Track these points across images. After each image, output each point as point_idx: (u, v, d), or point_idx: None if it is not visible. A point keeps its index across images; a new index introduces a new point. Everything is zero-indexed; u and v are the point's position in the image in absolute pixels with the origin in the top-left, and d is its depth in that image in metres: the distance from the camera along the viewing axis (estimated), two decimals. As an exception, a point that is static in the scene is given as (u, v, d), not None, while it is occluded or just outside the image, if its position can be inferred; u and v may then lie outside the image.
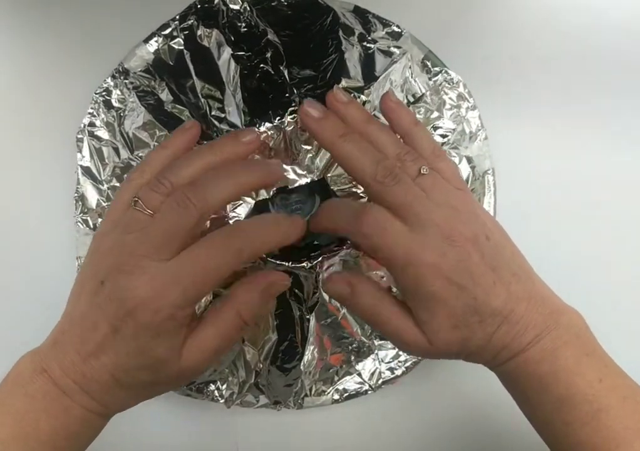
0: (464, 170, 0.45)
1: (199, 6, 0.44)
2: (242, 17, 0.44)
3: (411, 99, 0.45)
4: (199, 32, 0.44)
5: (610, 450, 0.32)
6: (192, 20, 0.44)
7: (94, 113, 0.45)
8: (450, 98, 0.45)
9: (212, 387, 0.45)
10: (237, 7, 0.44)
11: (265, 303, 0.37)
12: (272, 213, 0.43)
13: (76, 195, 0.45)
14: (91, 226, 0.45)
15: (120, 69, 0.45)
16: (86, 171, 0.45)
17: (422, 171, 0.36)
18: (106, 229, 0.36)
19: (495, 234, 0.36)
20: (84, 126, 0.45)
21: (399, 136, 0.39)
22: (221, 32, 0.44)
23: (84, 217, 0.45)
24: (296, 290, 0.45)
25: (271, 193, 0.45)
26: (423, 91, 0.45)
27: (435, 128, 0.46)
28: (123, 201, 0.36)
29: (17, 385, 0.33)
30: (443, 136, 0.46)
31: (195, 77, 0.45)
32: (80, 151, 0.45)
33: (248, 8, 0.44)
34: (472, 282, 0.34)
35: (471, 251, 0.34)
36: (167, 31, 0.45)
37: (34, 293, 0.48)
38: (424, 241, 0.34)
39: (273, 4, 0.44)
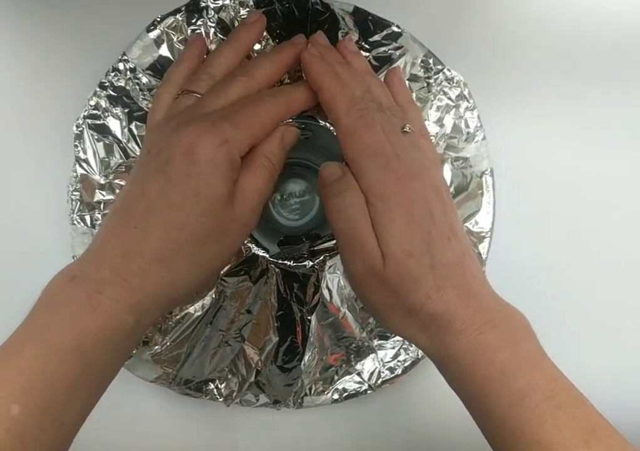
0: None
1: (213, 14, 0.44)
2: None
3: None
4: (213, 45, 0.44)
5: (568, 450, 0.30)
6: (203, 26, 0.44)
7: (96, 106, 0.44)
8: (449, 98, 0.45)
9: (211, 386, 0.45)
10: (245, 13, 0.44)
11: (284, 150, 0.38)
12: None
13: (73, 195, 0.44)
14: (89, 224, 0.44)
15: (129, 67, 0.44)
16: (85, 163, 0.44)
17: (405, 129, 0.37)
18: (154, 121, 0.38)
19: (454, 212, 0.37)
20: (84, 118, 0.44)
21: None
22: None
23: (81, 215, 0.44)
24: (297, 292, 0.45)
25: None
26: (411, 93, 0.45)
27: None
28: (157, 117, 0.38)
29: (43, 301, 0.32)
30: None
31: None
32: (78, 145, 0.44)
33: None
34: (429, 220, 0.34)
35: (433, 199, 0.35)
36: (173, 26, 0.44)
37: (30, 293, 0.47)
38: (396, 156, 0.35)
39: (276, 7, 0.44)
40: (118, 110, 0.44)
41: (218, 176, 0.34)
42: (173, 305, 0.39)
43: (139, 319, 0.33)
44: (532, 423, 0.30)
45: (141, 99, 0.44)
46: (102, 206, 0.44)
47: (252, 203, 0.36)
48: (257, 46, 0.44)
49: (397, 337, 0.46)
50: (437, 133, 0.45)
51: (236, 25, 0.44)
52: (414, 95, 0.45)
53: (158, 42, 0.44)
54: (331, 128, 0.43)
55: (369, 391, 0.45)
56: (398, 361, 0.45)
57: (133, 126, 0.45)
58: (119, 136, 0.45)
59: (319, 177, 0.38)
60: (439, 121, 0.46)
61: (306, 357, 0.45)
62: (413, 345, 0.45)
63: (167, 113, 0.38)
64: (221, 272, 0.44)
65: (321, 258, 0.45)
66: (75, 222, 0.44)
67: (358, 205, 0.35)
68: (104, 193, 0.44)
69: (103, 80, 0.44)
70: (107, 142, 0.44)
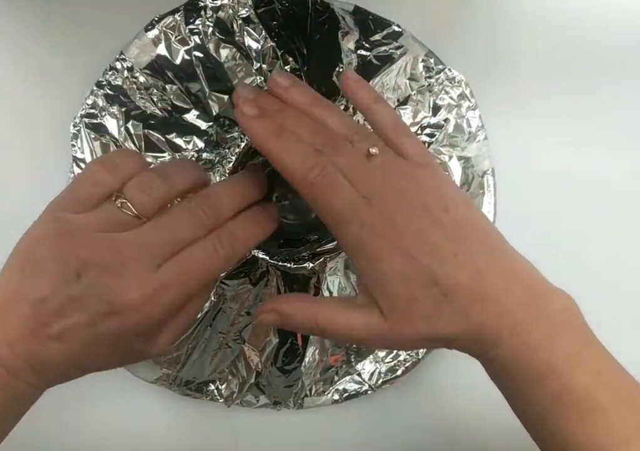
0: (456, 169, 0.45)
1: (212, 13, 0.44)
2: (253, 37, 0.44)
3: (401, 99, 0.45)
4: (211, 44, 0.44)
5: None
6: (202, 26, 0.44)
7: (94, 105, 0.44)
8: (451, 97, 0.45)
9: (212, 387, 0.45)
10: (244, 13, 0.44)
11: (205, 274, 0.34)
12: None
13: None
14: None
15: (126, 66, 0.44)
16: (82, 163, 0.44)
17: (371, 152, 0.34)
18: (70, 208, 0.33)
19: (458, 208, 0.34)
20: (81, 117, 0.44)
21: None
22: (238, 50, 0.44)
23: None
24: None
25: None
26: (411, 91, 0.45)
27: (422, 128, 0.45)
28: (90, 191, 0.34)
29: None
30: (431, 135, 0.45)
31: (203, 83, 0.44)
32: (76, 144, 0.44)
33: (256, 20, 0.44)
34: (423, 250, 0.32)
35: (423, 220, 0.32)
36: (171, 25, 0.44)
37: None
38: (369, 208, 0.33)
39: (275, 6, 0.44)
40: (114, 109, 0.44)
41: (145, 341, 0.34)
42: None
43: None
44: (570, 424, 0.30)
45: (138, 98, 0.44)
46: None
47: (170, 346, 0.35)
48: (255, 45, 0.44)
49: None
50: (439, 132, 0.45)
51: (234, 25, 0.44)
52: (415, 94, 0.45)
53: (156, 41, 0.44)
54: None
55: (369, 392, 0.45)
56: (398, 361, 0.45)
57: (129, 125, 0.44)
58: (115, 135, 0.44)
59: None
60: (441, 121, 0.45)
61: (306, 359, 0.45)
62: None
63: (92, 217, 0.33)
64: (221, 275, 0.44)
65: (322, 260, 0.45)
66: None
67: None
68: None
69: (100, 79, 0.44)
70: (104, 141, 0.44)
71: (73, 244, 0.32)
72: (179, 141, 0.44)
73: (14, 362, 0.31)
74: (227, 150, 0.45)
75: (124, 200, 0.33)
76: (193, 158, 0.45)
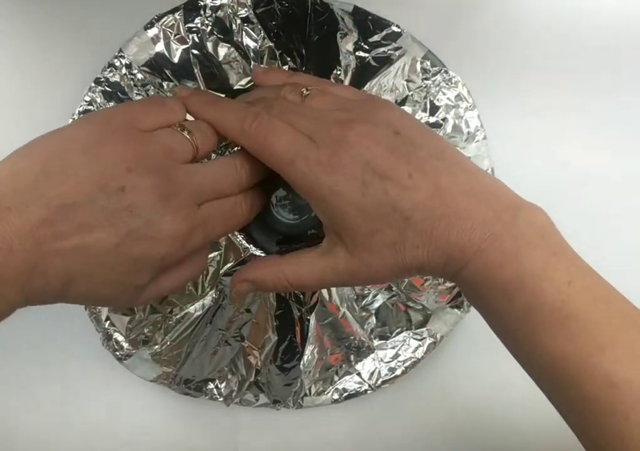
0: None
1: (211, 13, 0.44)
2: (252, 36, 0.44)
3: (399, 100, 0.45)
4: (209, 43, 0.44)
5: (581, 360, 0.29)
6: (201, 25, 0.44)
7: (91, 102, 0.44)
8: (448, 98, 0.45)
9: (211, 385, 0.45)
10: (243, 12, 0.44)
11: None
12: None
13: None
14: None
15: (125, 63, 0.44)
16: None
17: (305, 92, 0.35)
18: (126, 124, 0.33)
19: (410, 131, 0.33)
20: (79, 114, 0.44)
21: None
22: (236, 49, 0.45)
23: None
24: (296, 291, 0.45)
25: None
26: (408, 92, 0.45)
27: None
28: (158, 113, 0.34)
29: None
30: None
31: (200, 81, 0.44)
32: None
33: (255, 20, 0.44)
34: (377, 175, 0.31)
35: (370, 145, 0.32)
36: (170, 24, 0.44)
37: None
38: (312, 144, 0.33)
39: (275, 6, 0.44)
40: (111, 105, 0.44)
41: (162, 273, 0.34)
42: None
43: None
44: (540, 336, 0.30)
45: (135, 94, 0.45)
46: None
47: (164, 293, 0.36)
48: (254, 45, 0.45)
49: (397, 338, 0.46)
50: (438, 132, 0.45)
51: (233, 25, 0.44)
52: (412, 95, 0.45)
53: (155, 39, 0.44)
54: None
55: (369, 391, 0.45)
56: (398, 361, 0.45)
57: None
58: None
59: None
60: (439, 121, 0.46)
61: (305, 357, 0.45)
62: (412, 346, 0.45)
63: (153, 138, 0.33)
64: (221, 272, 0.44)
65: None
66: None
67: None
68: None
69: (99, 76, 0.44)
70: None
71: (125, 157, 0.31)
72: None
73: (3, 277, 0.28)
74: (222, 149, 0.45)
75: (190, 131, 0.34)
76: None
